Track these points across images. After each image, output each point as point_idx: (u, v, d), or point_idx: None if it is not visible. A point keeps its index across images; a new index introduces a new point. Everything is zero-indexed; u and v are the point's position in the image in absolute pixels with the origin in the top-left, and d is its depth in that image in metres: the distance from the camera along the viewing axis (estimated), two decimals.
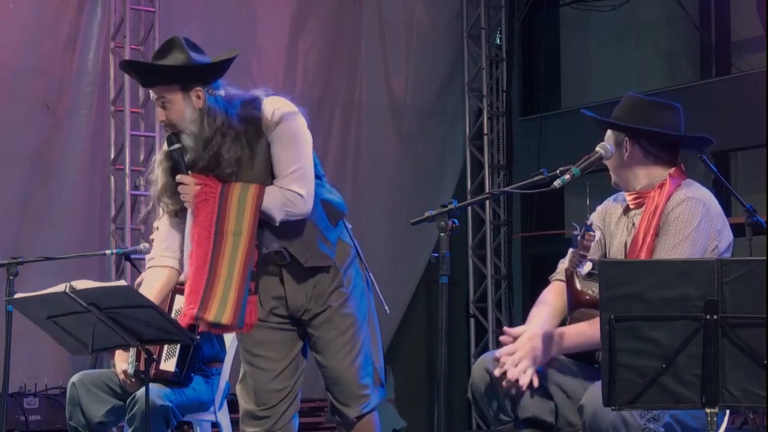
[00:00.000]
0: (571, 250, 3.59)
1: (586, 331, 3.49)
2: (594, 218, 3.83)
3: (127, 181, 8.30)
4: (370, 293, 4.23)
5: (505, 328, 3.59)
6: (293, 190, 3.90)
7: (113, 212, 8.39)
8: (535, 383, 3.46)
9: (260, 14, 9.18)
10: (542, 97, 10.49)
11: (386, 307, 4.31)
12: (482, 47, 10.21)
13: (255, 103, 3.95)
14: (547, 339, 3.50)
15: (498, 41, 10.40)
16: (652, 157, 3.73)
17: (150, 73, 4.01)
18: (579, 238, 3.54)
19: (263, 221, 3.96)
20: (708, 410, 2.94)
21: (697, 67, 10.16)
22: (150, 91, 4.01)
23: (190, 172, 3.93)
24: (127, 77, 8.28)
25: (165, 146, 4.01)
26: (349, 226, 4.22)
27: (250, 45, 8.90)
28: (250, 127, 3.92)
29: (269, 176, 3.96)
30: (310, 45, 9.41)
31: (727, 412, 3.69)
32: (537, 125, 10.14)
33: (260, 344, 4.13)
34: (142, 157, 8.47)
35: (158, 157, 4.06)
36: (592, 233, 3.57)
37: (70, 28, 8.31)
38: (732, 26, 9.88)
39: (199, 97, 3.92)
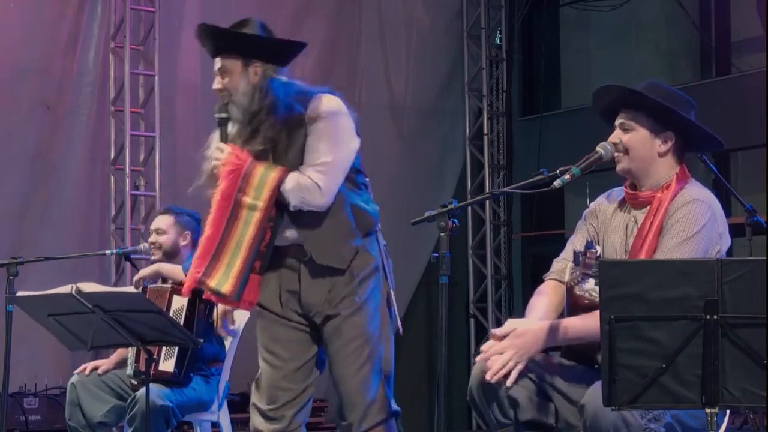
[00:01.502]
0: (571, 264, 3.56)
1: (578, 323, 3.47)
2: (586, 215, 3.81)
3: (127, 181, 8.30)
4: (390, 312, 4.19)
5: (492, 331, 3.52)
6: (312, 179, 3.92)
7: (113, 212, 8.39)
8: (511, 379, 3.42)
9: (260, 14, 9.15)
10: (542, 97, 10.49)
11: (399, 328, 4.29)
12: (482, 47, 10.20)
13: (307, 96, 4.02)
14: (542, 331, 3.46)
15: (498, 41, 10.40)
16: (677, 155, 3.64)
17: (216, 37, 4.14)
18: (581, 255, 3.51)
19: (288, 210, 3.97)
20: (708, 410, 2.93)
21: (697, 67, 10.16)
22: (214, 60, 4.09)
23: (228, 143, 3.98)
24: (126, 77, 8.30)
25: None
26: (384, 242, 4.16)
27: None
28: (294, 116, 3.97)
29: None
30: (309, 45, 9.39)
31: (727, 412, 3.68)
32: (537, 125, 10.14)
33: (276, 341, 4.11)
34: (142, 157, 8.48)
35: (215, 134, 4.08)
36: (593, 251, 3.52)
37: (70, 28, 8.31)
38: (732, 26, 9.88)
39: (256, 74, 4.02)
